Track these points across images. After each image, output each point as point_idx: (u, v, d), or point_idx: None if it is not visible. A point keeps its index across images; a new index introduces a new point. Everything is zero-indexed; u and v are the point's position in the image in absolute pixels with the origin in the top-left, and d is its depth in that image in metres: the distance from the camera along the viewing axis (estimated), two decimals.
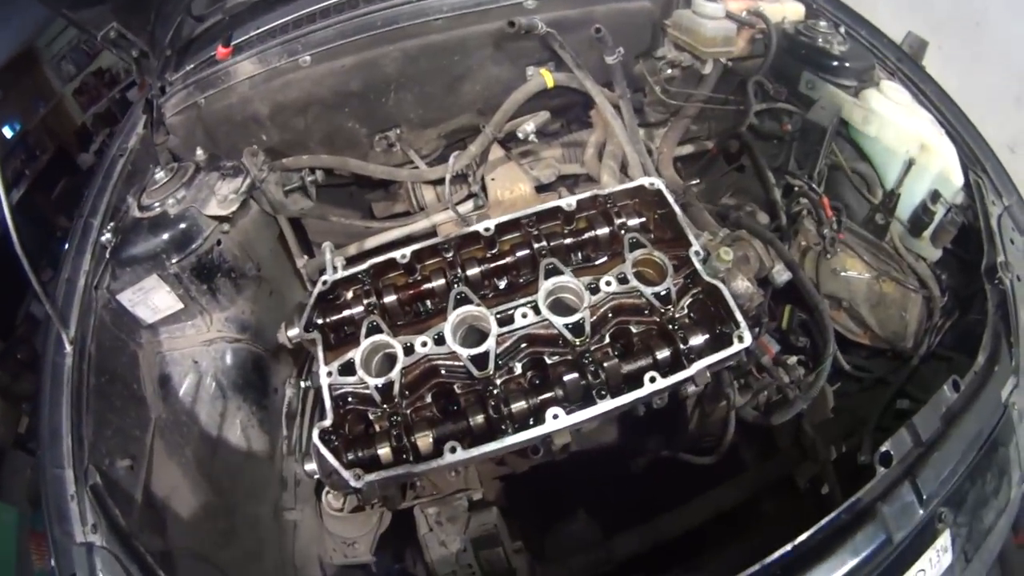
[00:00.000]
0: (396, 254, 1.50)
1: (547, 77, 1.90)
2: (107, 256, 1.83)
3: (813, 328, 1.88)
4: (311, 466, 1.38)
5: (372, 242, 1.99)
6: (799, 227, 1.94)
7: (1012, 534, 1.75)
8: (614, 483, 2.09)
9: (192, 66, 2.19)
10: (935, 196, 1.87)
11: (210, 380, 1.90)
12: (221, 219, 1.85)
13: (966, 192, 1.89)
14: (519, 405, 1.33)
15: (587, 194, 1.52)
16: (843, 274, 1.96)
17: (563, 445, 1.88)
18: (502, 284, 1.51)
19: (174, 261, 1.79)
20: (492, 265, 1.48)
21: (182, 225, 1.81)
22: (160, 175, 1.93)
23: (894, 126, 1.92)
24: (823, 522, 1.26)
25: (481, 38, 1.92)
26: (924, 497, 1.29)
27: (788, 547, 1.23)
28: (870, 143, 1.99)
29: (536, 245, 1.46)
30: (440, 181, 1.93)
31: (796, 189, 1.96)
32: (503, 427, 1.32)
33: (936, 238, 1.90)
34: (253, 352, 1.96)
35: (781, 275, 1.74)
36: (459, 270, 1.47)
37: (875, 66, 2.09)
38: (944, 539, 1.32)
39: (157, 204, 1.85)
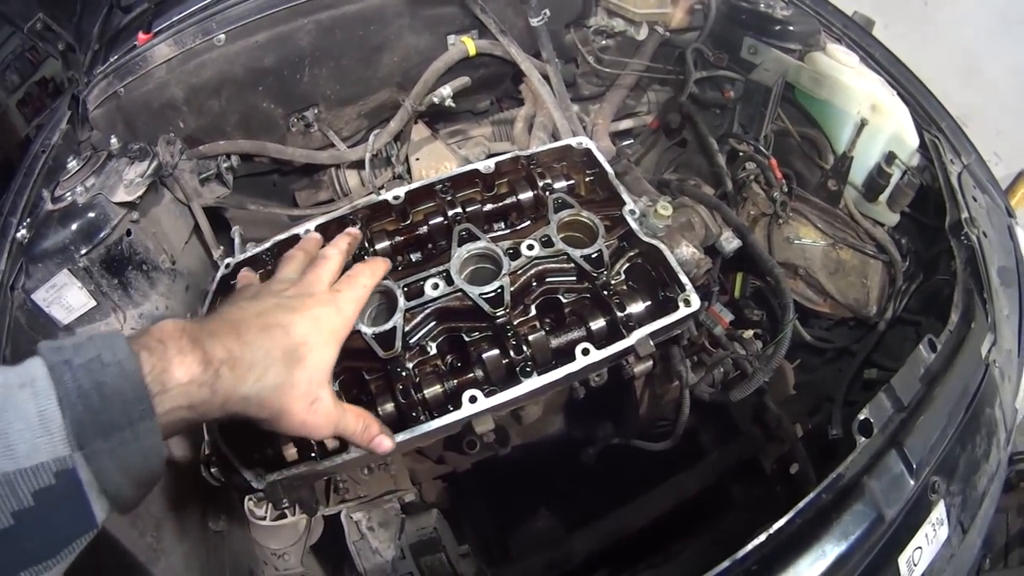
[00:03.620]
0: (299, 229, 1.23)
1: (469, 45, 1.64)
2: (22, 253, 1.56)
3: (769, 295, 1.63)
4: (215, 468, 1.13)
5: (294, 232, 1.71)
6: (747, 193, 1.70)
7: None
8: (567, 477, 1.83)
9: (115, 56, 1.93)
10: (890, 158, 1.66)
11: None
12: (128, 205, 1.59)
13: (922, 153, 1.68)
14: (433, 390, 1.07)
15: (507, 155, 1.26)
16: (797, 242, 1.73)
17: (503, 437, 1.63)
18: (415, 257, 1.25)
19: (83, 253, 1.52)
20: (403, 237, 1.22)
21: (90, 214, 1.54)
22: (72, 164, 1.68)
23: (844, 87, 1.70)
24: (801, 505, 1.00)
25: (398, 5, 1.66)
26: (914, 466, 1.05)
27: (762, 537, 0.97)
28: (819, 106, 1.77)
29: (451, 212, 1.20)
30: (362, 163, 1.67)
31: (742, 154, 1.73)
32: (414, 415, 1.05)
33: (893, 201, 1.69)
34: None
35: (730, 242, 1.50)
36: (367, 244, 1.21)
37: (820, 30, 1.88)
38: (939, 511, 1.09)
39: (68, 194, 1.59)
